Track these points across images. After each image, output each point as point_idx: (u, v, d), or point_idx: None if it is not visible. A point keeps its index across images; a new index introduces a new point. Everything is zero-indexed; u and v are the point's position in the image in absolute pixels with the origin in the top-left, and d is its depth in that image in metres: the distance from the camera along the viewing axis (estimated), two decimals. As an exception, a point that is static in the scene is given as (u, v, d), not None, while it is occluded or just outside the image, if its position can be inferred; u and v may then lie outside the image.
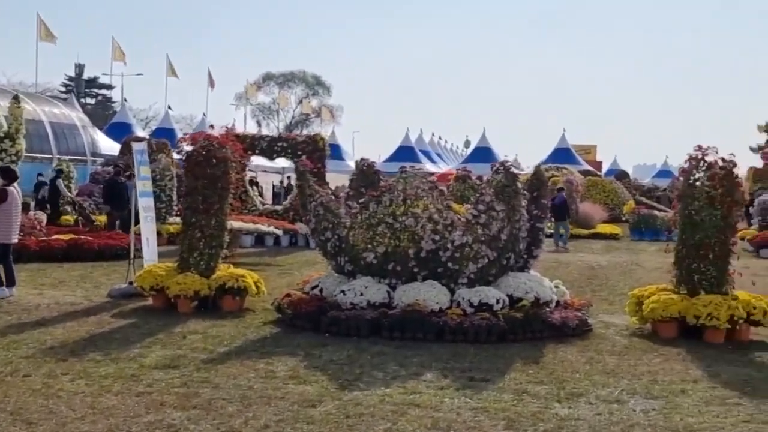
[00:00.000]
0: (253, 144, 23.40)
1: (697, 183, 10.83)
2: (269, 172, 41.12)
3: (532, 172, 11.86)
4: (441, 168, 55.03)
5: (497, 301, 10.35)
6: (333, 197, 11.47)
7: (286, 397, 7.31)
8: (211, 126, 12.85)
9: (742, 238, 25.86)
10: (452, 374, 8.36)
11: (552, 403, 7.42)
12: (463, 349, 9.48)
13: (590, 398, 7.61)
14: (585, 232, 29.24)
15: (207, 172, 11.67)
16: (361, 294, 10.48)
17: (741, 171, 10.21)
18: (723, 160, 10.74)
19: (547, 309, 10.58)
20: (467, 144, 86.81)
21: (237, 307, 11.70)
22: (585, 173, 46.12)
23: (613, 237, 29.49)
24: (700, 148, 10.85)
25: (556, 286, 11.38)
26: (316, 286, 11.13)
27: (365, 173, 11.82)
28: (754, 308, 10.53)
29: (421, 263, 10.64)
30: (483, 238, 10.55)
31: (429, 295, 10.29)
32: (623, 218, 34.11)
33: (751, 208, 30.90)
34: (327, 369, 8.42)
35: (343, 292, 10.58)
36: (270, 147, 23.43)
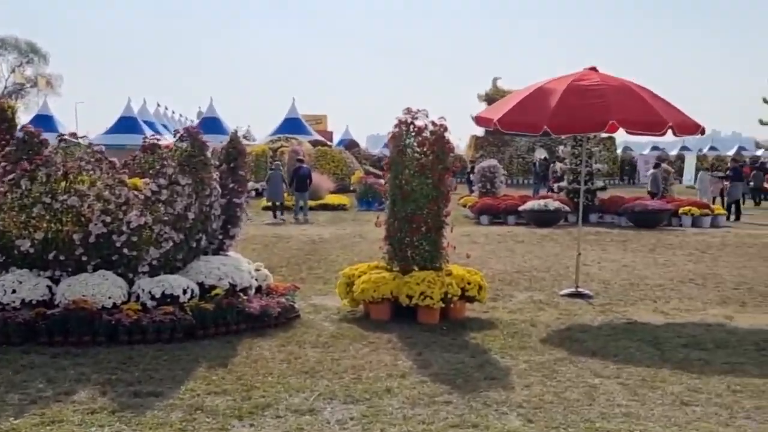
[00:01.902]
0: None
1: (408, 149, 9.89)
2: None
3: (228, 140, 10.34)
4: (168, 139, 52.15)
5: (184, 291, 8.81)
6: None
7: None
8: None
9: (464, 205, 26.11)
10: (114, 389, 6.74)
11: (231, 420, 6.04)
12: (139, 353, 7.89)
13: (279, 409, 6.31)
14: (313, 203, 28.26)
15: None
16: (14, 291, 8.50)
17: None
18: (434, 123, 9.85)
19: (245, 297, 9.20)
20: (199, 115, 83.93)
21: None
22: (315, 143, 45.48)
23: (341, 208, 28.79)
24: (409, 111, 9.88)
25: (257, 269, 10.03)
26: (-42, 284, 8.97)
27: (28, 143, 9.72)
28: (469, 284, 9.80)
29: (90, 250, 8.82)
30: (166, 218, 8.94)
31: (99, 288, 8.54)
32: (351, 188, 33.63)
33: (472, 175, 31.49)
34: (-55, 396, 6.49)
35: (-11, 290, 8.55)
36: (-56, 116, 20.01)
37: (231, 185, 9.89)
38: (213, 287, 9.11)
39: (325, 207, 28.54)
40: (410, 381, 7.11)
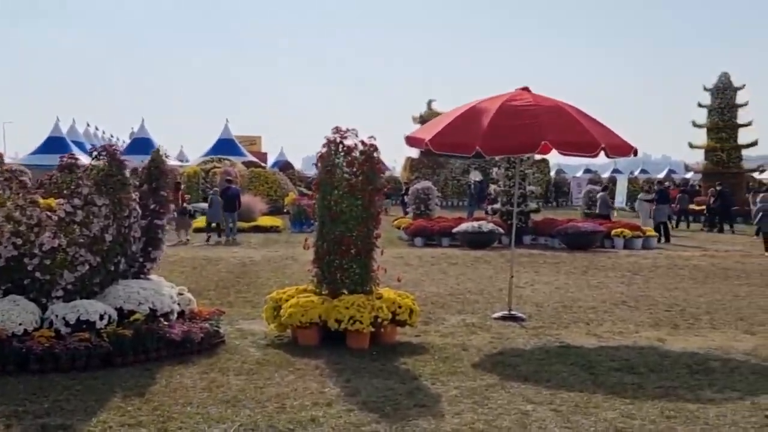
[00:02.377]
0: None
1: (337, 170, 9.64)
2: None
3: (149, 159, 9.94)
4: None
5: (101, 317, 8.37)
6: None
7: None
8: None
9: (398, 227, 25.94)
10: (21, 422, 6.32)
11: (143, 456, 5.66)
12: (51, 383, 7.46)
13: (197, 443, 5.95)
14: (245, 225, 27.79)
15: None
16: None
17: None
18: (363, 143, 9.62)
19: (166, 322, 8.79)
20: (132, 136, 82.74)
21: None
22: (249, 164, 45.00)
23: (273, 230, 28.34)
24: (338, 130, 9.63)
25: (180, 294, 9.63)
26: None
27: (-65, 161, 9.24)
28: (400, 307, 9.55)
29: (0, 274, 8.35)
30: (81, 240, 8.51)
31: (9, 314, 8.06)
32: (285, 210, 33.24)
33: (406, 196, 31.37)
34: None
35: None
36: None
37: (152, 206, 9.49)
38: (132, 312, 8.69)
39: (258, 229, 28.08)
40: (337, 410, 6.82)
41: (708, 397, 7.35)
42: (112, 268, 8.91)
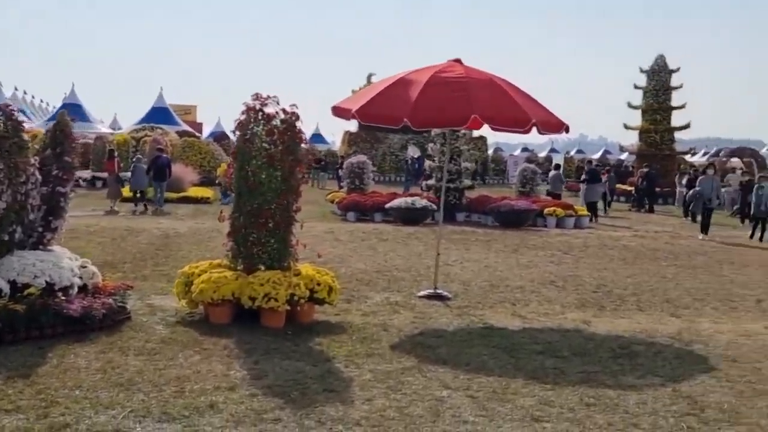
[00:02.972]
0: None
1: (256, 138, 9.11)
2: None
3: (54, 122, 9.29)
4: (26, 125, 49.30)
5: (-8, 291, 7.76)
6: None
7: None
8: None
9: (332, 201, 25.48)
10: None
11: (16, 446, 5.13)
12: (-69, 361, 6.84)
13: (78, 430, 5.43)
14: (174, 195, 27.04)
15: None
16: None
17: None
18: (284, 111, 9.10)
19: (64, 297, 8.20)
20: (64, 101, 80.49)
21: None
22: (182, 134, 44.02)
23: (203, 201, 27.64)
24: (258, 96, 9.10)
25: (83, 266, 9.02)
26: None
27: None
28: (318, 284, 9.09)
29: None
30: (-28, 207, 7.87)
31: None
32: (217, 181, 32.49)
33: (341, 170, 30.86)
34: None
35: None
36: None
37: (55, 172, 8.85)
38: (27, 286, 8.08)
39: (187, 199, 27.38)
40: (239, 394, 6.36)
41: (629, 383, 7.09)
42: (6, 238, 8.25)
